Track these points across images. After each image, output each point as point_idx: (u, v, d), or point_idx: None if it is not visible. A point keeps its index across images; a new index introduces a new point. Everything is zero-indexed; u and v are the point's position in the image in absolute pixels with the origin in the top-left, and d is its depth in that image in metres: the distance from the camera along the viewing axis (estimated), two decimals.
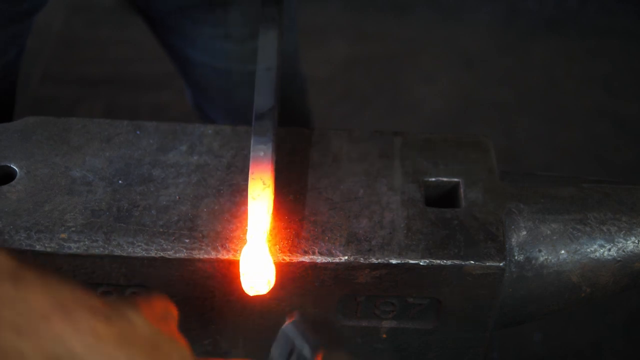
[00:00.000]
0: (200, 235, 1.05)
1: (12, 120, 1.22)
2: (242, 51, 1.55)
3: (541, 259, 1.09)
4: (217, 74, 1.61)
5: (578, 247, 1.09)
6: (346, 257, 1.04)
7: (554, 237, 1.09)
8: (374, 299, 1.09)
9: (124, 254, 1.03)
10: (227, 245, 1.04)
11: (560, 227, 1.10)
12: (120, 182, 1.11)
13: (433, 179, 1.15)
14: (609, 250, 1.10)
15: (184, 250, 1.03)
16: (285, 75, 1.23)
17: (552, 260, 1.09)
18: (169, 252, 1.03)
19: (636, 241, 1.10)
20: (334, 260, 1.04)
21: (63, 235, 1.04)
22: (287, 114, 1.20)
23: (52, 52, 2.99)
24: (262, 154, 1.04)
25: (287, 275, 1.05)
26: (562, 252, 1.09)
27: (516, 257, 1.09)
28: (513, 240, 1.09)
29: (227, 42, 1.55)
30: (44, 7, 1.40)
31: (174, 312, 0.80)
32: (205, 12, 1.51)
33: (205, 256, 1.03)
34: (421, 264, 1.04)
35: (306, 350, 0.84)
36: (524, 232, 1.09)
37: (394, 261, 1.04)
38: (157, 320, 0.74)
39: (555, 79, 3.01)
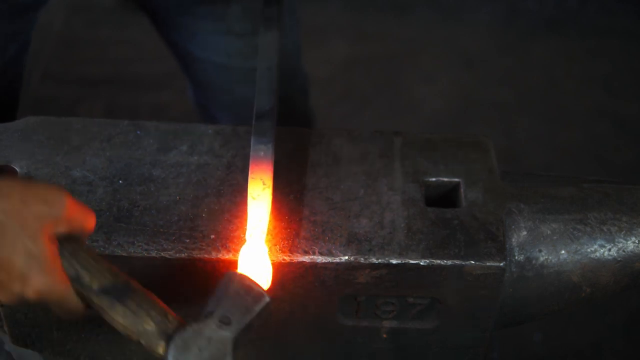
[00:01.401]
0: (201, 235, 1.05)
1: (15, 117, 1.22)
2: (243, 46, 1.56)
3: (541, 259, 1.09)
4: (218, 69, 1.61)
5: (578, 247, 1.09)
6: (346, 257, 1.04)
7: (554, 237, 1.09)
8: (374, 299, 1.09)
9: (125, 254, 1.03)
10: (227, 245, 1.04)
11: (561, 227, 1.10)
12: (120, 182, 1.11)
13: (433, 179, 1.15)
14: (609, 250, 1.10)
15: (185, 250, 1.04)
16: (286, 74, 1.24)
17: (553, 260, 1.09)
18: (169, 252, 1.03)
19: (636, 241, 1.10)
20: (334, 260, 1.04)
21: None
22: (289, 113, 1.20)
23: (52, 52, 2.98)
24: (262, 154, 1.05)
25: (287, 275, 1.05)
26: (563, 252, 1.09)
27: (516, 257, 1.09)
28: (513, 240, 1.09)
29: (228, 37, 1.55)
30: (44, 4, 1.40)
31: None
32: (206, 8, 1.51)
33: (206, 256, 1.03)
34: (421, 264, 1.04)
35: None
36: (524, 232, 1.09)
37: (394, 261, 1.04)
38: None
39: (555, 79, 3.00)
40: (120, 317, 0.90)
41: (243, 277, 0.94)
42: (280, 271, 1.04)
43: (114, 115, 2.74)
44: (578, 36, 3.17)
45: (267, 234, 1.03)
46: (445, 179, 1.15)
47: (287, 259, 1.04)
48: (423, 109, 2.88)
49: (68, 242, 0.90)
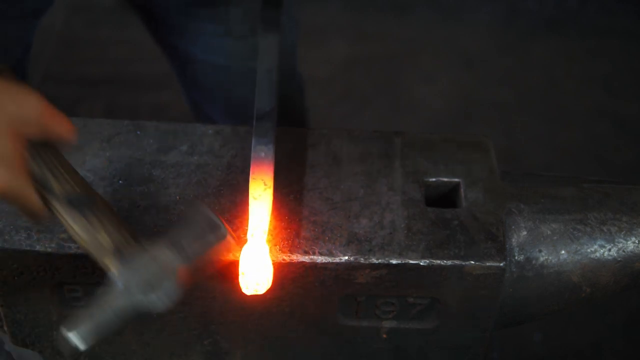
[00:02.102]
0: None
1: None
2: (243, 47, 1.56)
3: (541, 259, 1.09)
4: (217, 71, 1.61)
5: (578, 247, 1.09)
6: (346, 257, 1.04)
7: (554, 237, 1.09)
8: (374, 299, 1.09)
9: None
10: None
11: (561, 227, 1.10)
12: (120, 182, 1.11)
13: (433, 179, 1.15)
14: (609, 250, 1.10)
15: None
16: (284, 74, 1.24)
17: (553, 261, 1.09)
18: None
19: (636, 241, 1.10)
20: (334, 260, 1.04)
21: (63, 235, 1.04)
22: (285, 112, 1.20)
23: (52, 52, 2.98)
24: (263, 154, 1.05)
25: (287, 275, 1.05)
26: (563, 252, 1.09)
27: (516, 257, 1.09)
28: (513, 240, 1.09)
29: (228, 38, 1.55)
30: (49, 7, 1.40)
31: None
32: (206, 9, 1.51)
33: None
34: (421, 264, 1.04)
35: None
36: (524, 232, 1.09)
37: (394, 261, 1.04)
38: None
39: (555, 79, 3.00)
40: (78, 227, 0.91)
41: (208, 211, 0.95)
42: (280, 271, 1.04)
43: (114, 115, 2.73)
44: (578, 36, 3.17)
45: (268, 234, 1.03)
46: (445, 179, 1.15)
47: (287, 259, 1.04)
48: (423, 109, 2.87)
49: (43, 148, 0.92)
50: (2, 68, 0.94)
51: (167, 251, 0.92)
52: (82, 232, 0.92)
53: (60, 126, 0.93)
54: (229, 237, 0.94)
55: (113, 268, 0.91)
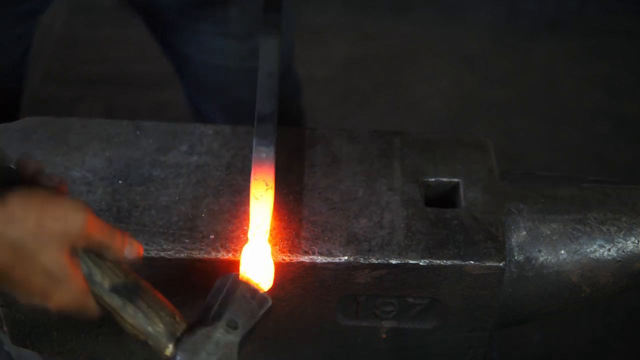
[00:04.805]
0: (200, 235, 1.05)
1: (18, 119, 1.23)
2: (241, 49, 1.56)
3: (541, 259, 1.09)
4: (215, 71, 1.61)
5: (578, 247, 1.09)
6: (346, 257, 1.04)
7: (554, 237, 1.09)
8: (374, 299, 1.09)
9: None
10: (227, 245, 1.04)
11: (560, 227, 1.10)
12: (120, 182, 1.11)
13: (433, 179, 1.15)
14: (609, 250, 1.10)
15: (184, 251, 1.04)
16: (279, 73, 1.25)
17: (552, 260, 1.09)
18: (169, 252, 1.03)
19: (636, 241, 1.10)
20: (334, 261, 1.04)
21: None
22: (281, 112, 1.21)
23: (52, 52, 2.98)
24: (264, 155, 1.05)
25: (287, 275, 1.05)
26: (562, 252, 1.09)
27: (516, 257, 1.09)
28: (513, 240, 1.09)
29: (226, 39, 1.55)
30: (48, 7, 1.41)
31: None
32: (205, 10, 1.52)
33: (205, 256, 1.03)
34: (421, 264, 1.04)
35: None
36: (524, 232, 1.09)
37: (393, 261, 1.04)
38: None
39: (555, 79, 3.00)
40: (130, 317, 0.90)
41: (248, 281, 0.95)
42: (280, 271, 1.04)
43: (114, 115, 2.73)
44: (578, 36, 3.17)
45: (269, 234, 1.03)
46: (445, 179, 1.15)
47: (287, 259, 1.04)
48: (423, 109, 2.87)
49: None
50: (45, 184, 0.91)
51: (226, 334, 0.91)
52: (135, 322, 0.90)
53: (105, 236, 0.89)
54: (271, 305, 0.95)
55: (169, 353, 0.90)
